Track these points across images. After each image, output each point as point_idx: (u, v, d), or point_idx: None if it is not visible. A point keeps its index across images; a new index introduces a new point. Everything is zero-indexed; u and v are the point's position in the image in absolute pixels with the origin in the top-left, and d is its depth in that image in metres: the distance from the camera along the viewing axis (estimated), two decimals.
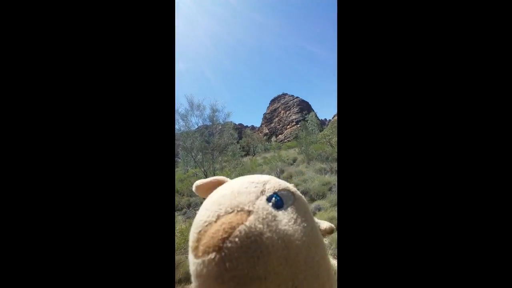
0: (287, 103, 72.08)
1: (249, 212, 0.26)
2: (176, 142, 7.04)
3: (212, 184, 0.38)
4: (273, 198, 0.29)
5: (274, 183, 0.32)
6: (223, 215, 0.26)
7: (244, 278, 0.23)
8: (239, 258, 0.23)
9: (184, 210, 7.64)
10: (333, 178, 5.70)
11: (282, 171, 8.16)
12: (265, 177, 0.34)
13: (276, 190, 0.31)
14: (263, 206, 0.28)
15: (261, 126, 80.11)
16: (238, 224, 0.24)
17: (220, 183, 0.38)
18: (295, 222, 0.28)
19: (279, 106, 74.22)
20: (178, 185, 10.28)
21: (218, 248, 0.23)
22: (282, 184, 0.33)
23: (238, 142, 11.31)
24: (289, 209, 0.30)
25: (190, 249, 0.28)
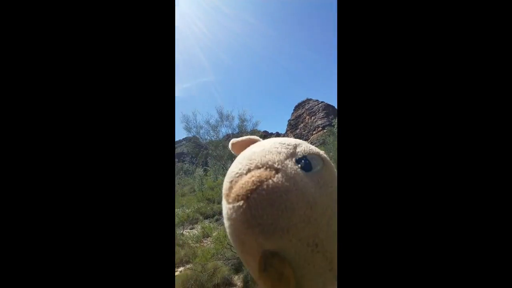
0: (312, 109, 69.61)
1: (277, 170, 0.28)
2: (205, 151, 7.41)
3: (245, 143, 0.40)
4: (302, 161, 0.30)
5: (304, 147, 0.33)
6: (253, 169, 0.28)
7: (268, 226, 0.25)
8: (263, 209, 0.25)
9: (216, 217, 7.74)
10: None
11: None
12: (296, 141, 0.34)
13: (306, 154, 0.32)
14: (291, 166, 0.29)
15: (286, 132, 78.50)
16: (266, 179, 0.26)
17: (252, 142, 0.39)
18: (322, 186, 0.29)
19: (303, 112, 72.07)
20: (209, 193, 11.18)
21: (246, 197, 0.26)
22: (313, 149, 0.34)
23: None
24: (317, 173, 0.30)
25: (223, 196, 0.31)
